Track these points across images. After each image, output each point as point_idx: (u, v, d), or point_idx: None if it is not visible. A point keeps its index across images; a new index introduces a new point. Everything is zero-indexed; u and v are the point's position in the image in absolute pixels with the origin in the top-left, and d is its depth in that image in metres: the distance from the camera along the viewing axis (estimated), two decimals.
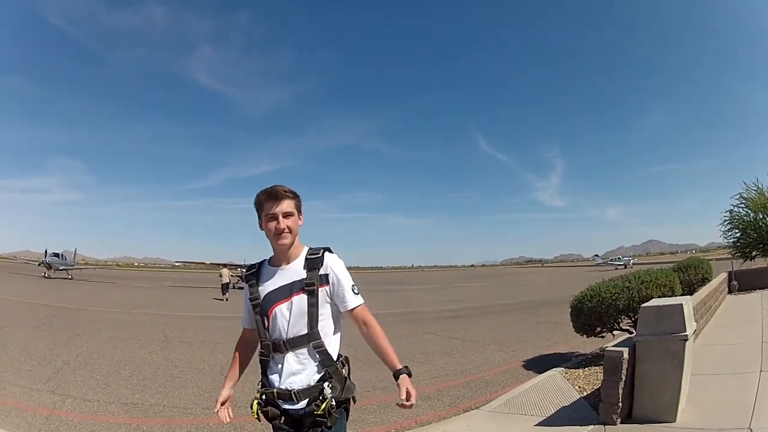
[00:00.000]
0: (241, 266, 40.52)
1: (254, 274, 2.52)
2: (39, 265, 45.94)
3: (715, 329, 9.07)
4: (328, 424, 2.30)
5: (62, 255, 47.72)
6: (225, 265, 36.05)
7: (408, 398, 2.29)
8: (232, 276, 35.52)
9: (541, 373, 7.46)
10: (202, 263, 55.93)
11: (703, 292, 9.43)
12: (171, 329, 13.77)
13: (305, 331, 2.35)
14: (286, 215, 2.39)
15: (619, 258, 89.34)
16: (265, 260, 2.56)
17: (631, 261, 79.37)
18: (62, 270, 44.29)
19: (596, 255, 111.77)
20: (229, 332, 13.55)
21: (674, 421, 4.51)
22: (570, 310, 8.49)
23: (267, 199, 2.41)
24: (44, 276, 41.55)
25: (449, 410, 6.14)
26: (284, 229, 2.37)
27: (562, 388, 6.43)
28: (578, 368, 7.43)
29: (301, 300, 2.36)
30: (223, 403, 2.53)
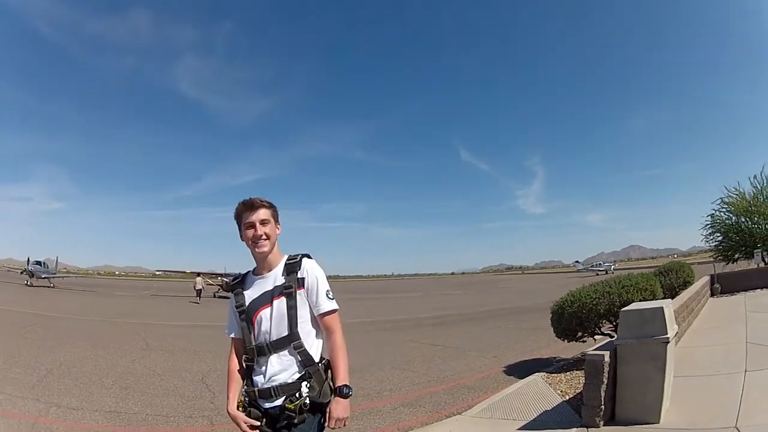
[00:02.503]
0: (221, 275, 40.61)
1: (239, 283, 2.62)
2: (21, 273, 45.51)
3: (699, 331, 9.16)
4: (295, 421, 2.33)
5: (44, 263, 47.34)
6: (199, 274, 38.25)
7: (329, 422, 2.38)
8: (207, 284, 38.25)
9: (522, 378, 7.40)
10: (182, 272, 55.62)
11: (685, 295, 9.52)
12: (152, 338, 13.69)
13: (285, 333, 2.43)
14: (263, 222, 2.51)
15: (600, 263, 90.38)
16: (249, 271, 2.65)
17: (612, 266, 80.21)
18: (44, 278, 44.02)
19: (577, 261, 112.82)
20: (210, 341, 13.61)
21: (658, 422, 4.49)
22: (551, 315, 8.49)
23: (244, 209, 2.53)
24: (27, 284, 41.31)
25: (431, 416, 6.08)
26: (261, 235, 2.48)
27: (544, 392, 6.39)
28: (560, 373, 7.42)
29: (281, 303, 2.45)
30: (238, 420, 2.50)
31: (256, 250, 2.50)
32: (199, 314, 23.89)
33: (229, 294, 2.65)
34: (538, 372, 7.61)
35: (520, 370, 8.37)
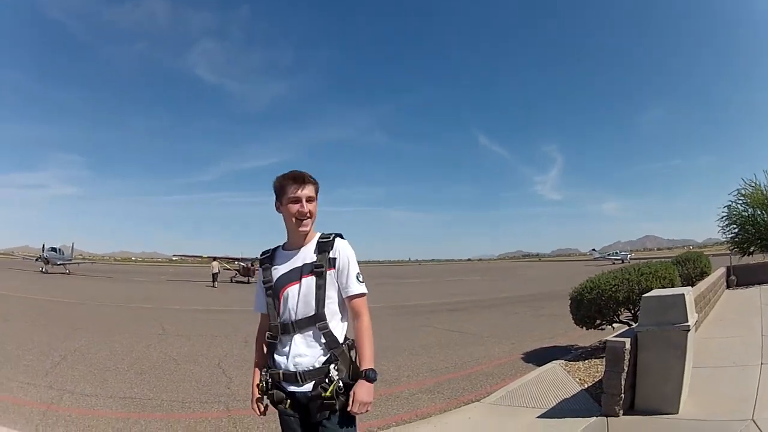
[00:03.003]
0: (238, 259, 40.85)
1: (268, 258, 2.54)
2: (36, 260, 45.79)
3: (715, 322, 9.08)
4: (336, 407, 2.27)
5: (60, 250, 47.55)
6: (215, 258, 38.01)
7: (351, 405, 2.26)
8: (224, 268, 38.36)
9: (540, 365, 7.42)
10: (198, 257, 56.11)
11: (702, 285, 9.43)
12: (168, 323, 13.64)
13: (312, 313, 2.36)
14: (309, 199, 2.42)
15: (616, 252, 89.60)
16: (279, 245, 2.58)
17: (629, 255, 79.38)
18: (60, 265, 44.06)
19: (593, 249, 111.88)
20: (227, 325, 13.72)
21: (677, 413, 4.47)
22: (569, 302, 8.45)
23: (292, 182, 2.41)
24: (42, 271, 41.37)
25: (450, 403, 6.09)
26: (306, 213, 2.40)
27: (562, 380, 6.40)
28: (578, 361, 7.41)
29: (309, 282, 2.38)
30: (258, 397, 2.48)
31: (299, 228, 2.41)
32: (216, 299, 23.88)
33: (251, 275, 2.57)
34: (557, 360, 7.61)
35: (538, 357, 8.38)
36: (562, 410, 5.13)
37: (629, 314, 7.89)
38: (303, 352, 2.35)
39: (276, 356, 2.43)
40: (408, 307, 19.07)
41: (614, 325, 8.10)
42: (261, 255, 2.59)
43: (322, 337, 2.35)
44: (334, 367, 2.29)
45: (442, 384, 7.05)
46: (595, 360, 7.23)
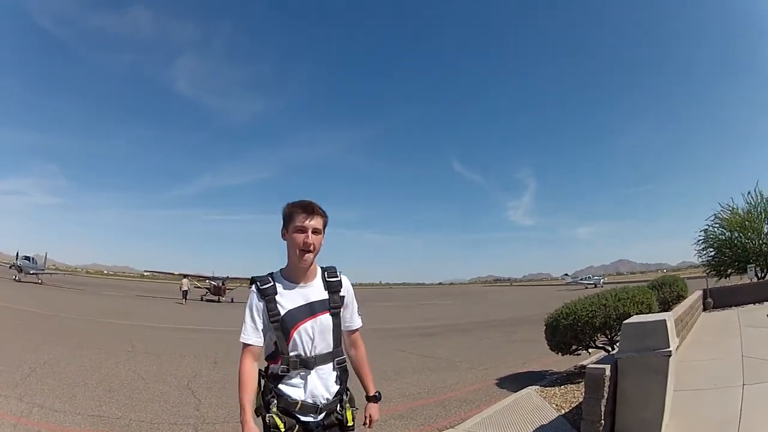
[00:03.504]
0: (209, 278, 40.22)
1: (272, 288, 2.44)
2: (10, 267, 44.78)
3: (694, 345, 9.05)
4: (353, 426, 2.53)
5: (33, 259, 46.86)
6: (186, 276, 38.31)
7: (370, 424, 2.67)
8: (194, 286, 38.73)
9: (515, 391, 7.24)
10: (170, 273, 55.20)
11: (680, 309, 9.43)
12: (138, 340, 13.39)
13: (330, 349, 2.47)
14: (315, 231, 2.43)
15: (589, 276, 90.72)
16: (274, 273, 2.51)
17: (602, 280, 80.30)
18: (33, 274, 43.52)
19: (566, 274, 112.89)
20: (196, 345, 13.40)
21: None
22: (544, 328, 8.35)
23: (301, 211, 2.42)
24: (15, 279, 40.98)
25: (423, 429, 5.91)
26: (311, 245, 2.40)
27: (539, 406, 6.23)
28: (554, 386, 7.26)
29: (326, 320, 2.46)
30: None
31: (302, 260, 2.40)
32: (186, 317, 23.56)
33: (252, 296, 2.46)
34: (532, 385, 7.44)
35: (513, 383, 8.20)
36: None
37: (605, 339, 7.81)
38: (321, 385, 2.44)
39: (285, 387, 2.44)
40: (381, 330, 18.72)
41: (590, 350, 8.00)
42: (260, 284, 2.45)
43: (338, 370, 2.51)
44: (346, 395, 2.54)
45: (416, 410, 6.83)
46: (572, 385, 7.10)
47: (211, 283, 38.89)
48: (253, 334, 2.42)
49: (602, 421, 4.49)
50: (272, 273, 2.51)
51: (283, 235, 2.48)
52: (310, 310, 2.42)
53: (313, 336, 2.40)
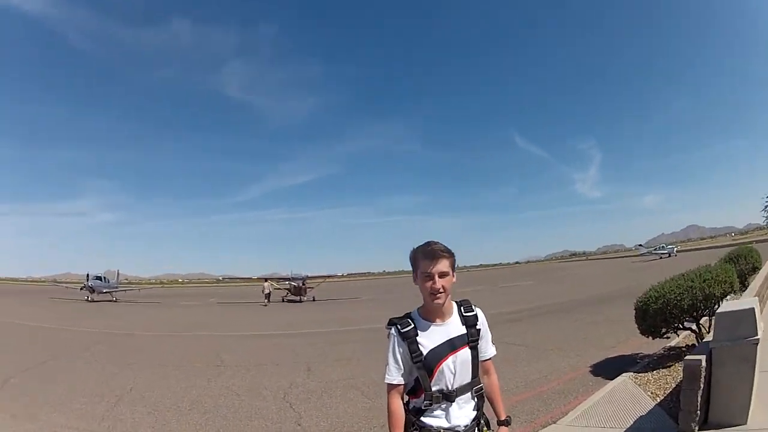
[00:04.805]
0: (288, 279, 41.37)
1: (412, 330, 2.57)
2: (81, 289, 44.15)
3: None
4: None
5: (104, 277, 47.08)
6: (267, 279, 39.36)
7: None
8: (275, 288, 38.83)
9: (610, 379, 7.47)
10: (248, 279, 56.76)
11: (756, 283, 9.20)
12: (225, 352, 13.16)
13: (468, 380, 2.59)
14: (442, 275, 2.51)
15: (662, 246, 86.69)
16: (411, 313, 2.67)
17: (675, 249, 76.72)
18: (106, 293, 43.49)
19: (640, 245, 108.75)
20: (286, 351, 13.37)
21: (745, 423, 4.59)
22: (634, 312, 8.38)
23: (424, 257, 2.53)
24: (87, 300, 40.87)
25: (527, 427, 6.09)
26: (439, 289, 2.49)
27: (635, 395, 6.48)
28: (647, 372, 7.47)
29: (465, 354, 2.58)
30: None
31: (434, 302, 2.51)
32: (270, 321, 23.53)
33: (393, 339, 2.62)
34: (626, 372, 7.64)
35: (606, 369, 8.39)
36: (639, 429, 5.30)
37: (691, 319, 7.91)
38: (461, 414, 2.57)
39: (428, 419, 2.58)
40: None
41: (678, 332, 8.11)
42: (401, 327, 2.60)
43: (476, 398, 2.63)
44: (483, 419, 2.65)
45: (516, 406, 6.88)
46: (663, 370, 7.32)
47: (291, 284, 39.30)
48: (397, 374, 2.57)
49: (698, 411, 4.78)
50: (410, 313, 2.65)
51: (414, 280, 2.61)
52: (451, 346, 2.53)
53: (455, 371, 2.51)
